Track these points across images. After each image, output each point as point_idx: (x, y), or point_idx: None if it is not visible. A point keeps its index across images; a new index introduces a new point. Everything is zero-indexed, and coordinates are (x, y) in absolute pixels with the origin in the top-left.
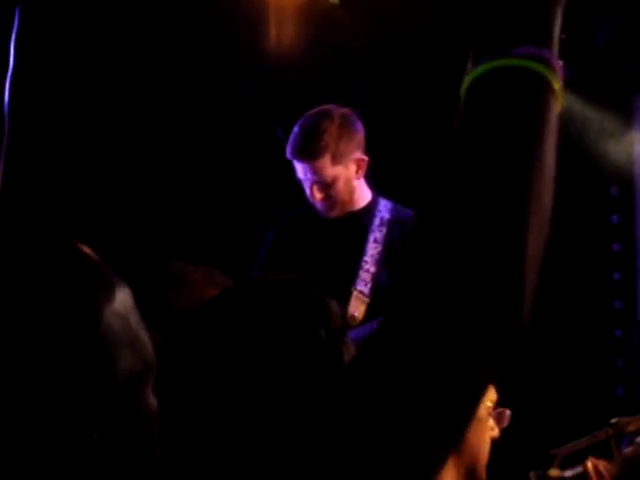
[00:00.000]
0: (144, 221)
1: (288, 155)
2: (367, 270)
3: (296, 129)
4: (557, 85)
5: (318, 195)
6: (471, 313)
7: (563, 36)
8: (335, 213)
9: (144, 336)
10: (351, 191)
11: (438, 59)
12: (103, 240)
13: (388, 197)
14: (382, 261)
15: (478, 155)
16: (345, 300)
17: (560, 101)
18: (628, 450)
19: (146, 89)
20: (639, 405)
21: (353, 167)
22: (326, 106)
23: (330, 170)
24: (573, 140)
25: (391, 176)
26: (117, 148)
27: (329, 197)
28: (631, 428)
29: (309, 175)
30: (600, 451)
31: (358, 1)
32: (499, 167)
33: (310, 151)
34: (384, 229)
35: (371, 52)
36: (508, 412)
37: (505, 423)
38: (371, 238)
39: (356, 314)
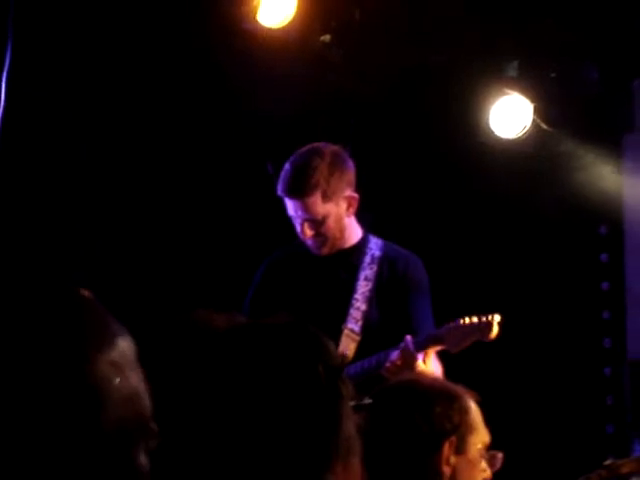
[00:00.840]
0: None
1: (279, 192)
2: (358, 308)
3: (287, 166)
4: None
5: (309, 232)
6: None
7: (553, 74)
8: (326, 251)
9: (144, 395)
10: (342, 229)
11: (427, 96)
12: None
13: (379, 235)
14: (373, 299)
15: None
16: (336, 338)
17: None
18: None
19: (140, 127)
20: (628, 442)
21: (344, 205)
22: (317, 144)
23: (321, 208)
24: (562, 179)
25: (382, 214)
26: (104, 191)
27: (320, 234)
28: (625, 470)
29: (300, 212)
30: None
31: (349, 39)
32: None
33: (301, 188)
34: (375, 267)
35: (361, 89)
36: (500, 455)
37: (497, 466)
38: (362, 276)
39: (347, 352)
